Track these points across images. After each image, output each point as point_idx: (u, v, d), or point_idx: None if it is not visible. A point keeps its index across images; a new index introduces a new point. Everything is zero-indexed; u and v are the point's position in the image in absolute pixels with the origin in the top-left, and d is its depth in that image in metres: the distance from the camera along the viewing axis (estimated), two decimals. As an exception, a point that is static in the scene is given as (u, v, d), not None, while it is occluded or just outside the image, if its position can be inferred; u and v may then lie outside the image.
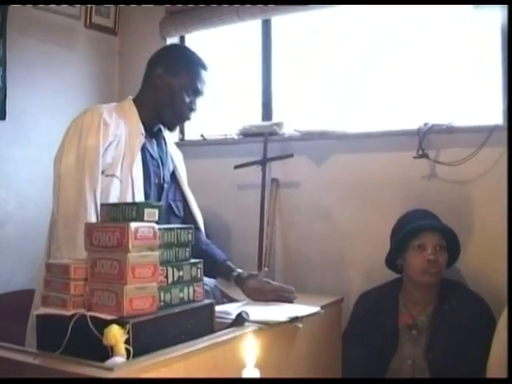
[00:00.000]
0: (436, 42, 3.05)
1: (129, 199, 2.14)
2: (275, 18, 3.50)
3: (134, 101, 2.35)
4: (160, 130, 2.41)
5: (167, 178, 2.40)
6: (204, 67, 2.37)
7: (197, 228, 2.42)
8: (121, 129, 2.21)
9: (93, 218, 2.03)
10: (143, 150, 2.27)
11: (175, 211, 2.42)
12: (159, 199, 2.31)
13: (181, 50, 2.54)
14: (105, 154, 2.14)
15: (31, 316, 2.03)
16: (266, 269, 2.66)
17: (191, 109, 2.35)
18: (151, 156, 2.32)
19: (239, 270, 2.36)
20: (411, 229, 2.56)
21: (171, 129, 2.42)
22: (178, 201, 2.45)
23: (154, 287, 1.59)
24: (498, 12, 2.73)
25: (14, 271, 3.36)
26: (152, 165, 2.31)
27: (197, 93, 2.35)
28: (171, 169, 2.44)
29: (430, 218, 2.64)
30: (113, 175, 2.14)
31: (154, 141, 2.38)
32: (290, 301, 2.27)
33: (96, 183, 2.09)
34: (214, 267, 2.35)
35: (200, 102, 2.39)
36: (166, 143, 2.45)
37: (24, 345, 1.94)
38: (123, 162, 2.18)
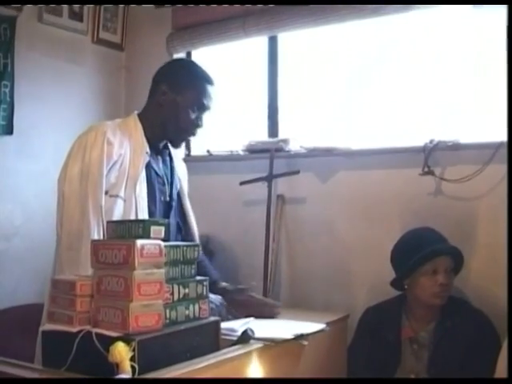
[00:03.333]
0: (442, 58, 3.06)
1: (132, 218, 2.09)
2: (281, 35, 3.52)
3: (140, 116, 2.30)
4: (165, 146, 2.37)
5: (175, 195, 2.37)
6: (210, 82, 2.30)
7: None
8: (125, 147, 2.17)
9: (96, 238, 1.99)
10: (148, 167, 2.22)
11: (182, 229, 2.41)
12: (166, 217, 2.26)
13: (185, 65, 2.45)
14: (108, 173, 2.10)
15: (40, 331, 2.02)
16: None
17: (197, 125, 2.29)
18: (156, 173, 2.27)
19: (224, 284, 2.39)
20: (426, 254, 2.52)
21: (176, 145, 2.37)
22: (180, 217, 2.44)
23: (159, 304, 1.60)
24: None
25: (20, 283, 3.37)
26: (157, 182, 2.27)
27: (203, 109, 2.28)
28: (179, 186, 2.41)
29: (439, 239, 2.61)
30: (116, 196, 2.10)
31: (160, 158, 2.33)
32: (272, 315, 2.33)
33: (100, 202, 2.04)
34: None
35: (206, 117, 2.32)
36: (171, 159, 2.40)
37: (30, 358, 1.93)
38: (127, 181, 2.14)
